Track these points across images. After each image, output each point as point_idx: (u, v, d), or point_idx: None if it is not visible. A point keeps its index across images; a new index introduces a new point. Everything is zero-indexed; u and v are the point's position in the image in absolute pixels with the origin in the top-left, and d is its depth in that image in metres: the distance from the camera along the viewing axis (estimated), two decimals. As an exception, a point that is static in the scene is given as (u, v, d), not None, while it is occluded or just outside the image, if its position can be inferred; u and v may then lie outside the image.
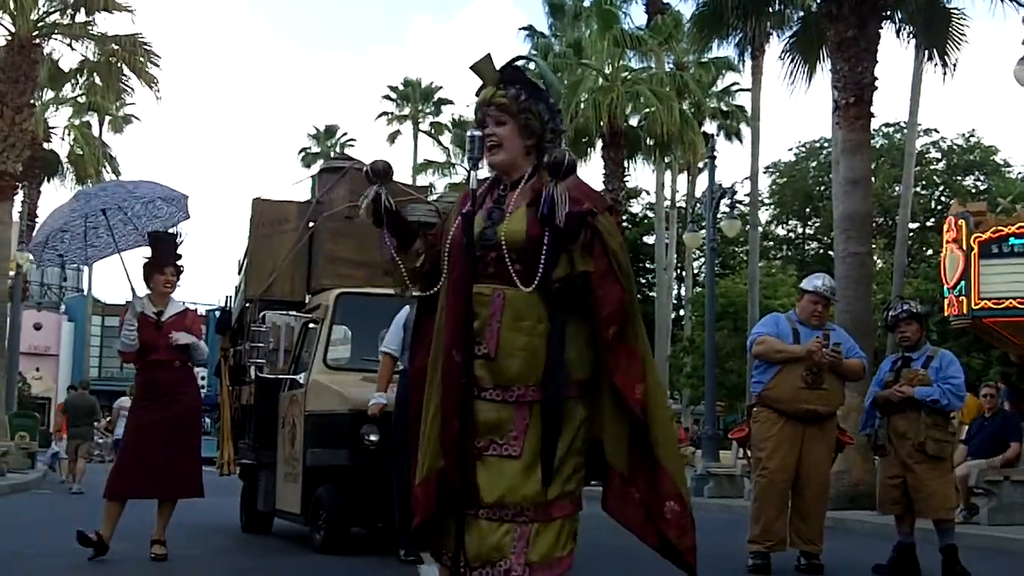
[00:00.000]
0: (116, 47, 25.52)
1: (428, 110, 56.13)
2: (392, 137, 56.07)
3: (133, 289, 8.18)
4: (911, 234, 25.83)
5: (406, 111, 56.20)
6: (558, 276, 3.80)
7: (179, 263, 8.31)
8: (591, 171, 33.12)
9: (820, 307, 8.05)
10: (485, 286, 3.84)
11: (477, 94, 4.09)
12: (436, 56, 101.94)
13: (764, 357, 7.93)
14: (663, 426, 3.92)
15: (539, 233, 3.78)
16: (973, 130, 45.58)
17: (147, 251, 8.33)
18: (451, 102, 55.75)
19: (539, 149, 4.02)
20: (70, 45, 25.94)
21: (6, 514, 13.21)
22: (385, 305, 8.57)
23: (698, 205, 26.57)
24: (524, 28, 38.02)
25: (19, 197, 29.57)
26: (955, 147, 44.30)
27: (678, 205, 42.67)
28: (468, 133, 3.99)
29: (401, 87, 56.42)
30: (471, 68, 4.05)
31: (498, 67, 4.05)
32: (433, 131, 55.15)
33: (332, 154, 57.36)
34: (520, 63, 4.07)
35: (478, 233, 3.87)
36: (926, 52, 19.21)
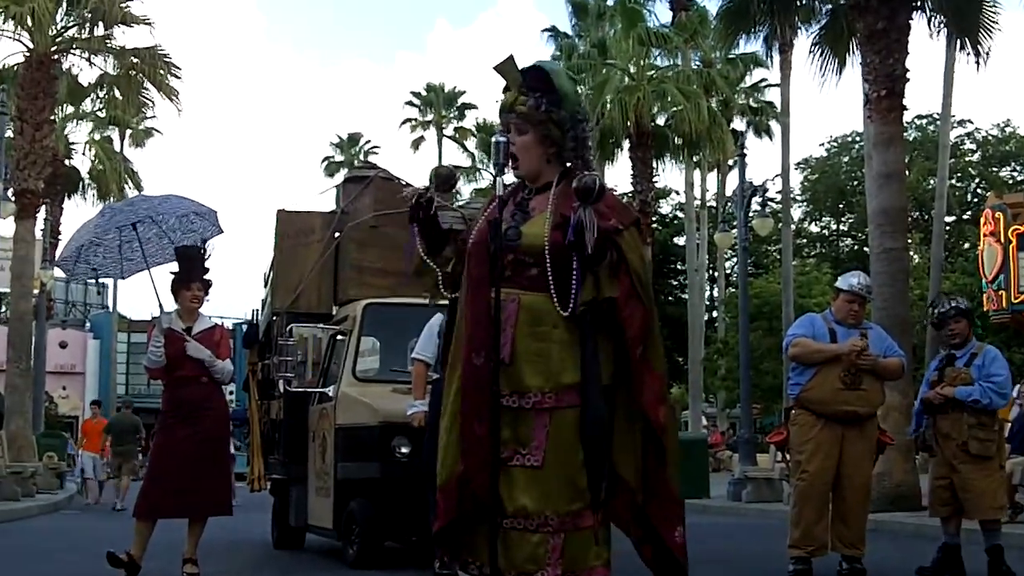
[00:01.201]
0: (135, 60, 25.70)
1: (452, 115, 56.29)
2: (416, 143, 56.28)
3: (160, 304, 8.22)
4: (947, 228, 25.69)
5: (430, 117, 56.37)
6: (584, 300, 3.83)
7: (206, 278, 8.34)
8: (619, 172, 33.21)
9: (856, 306, 8.00)
10: (501, 290, 3.85)
11: (504, 92, 4.12)
12: (458, 61, 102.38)
13: (801, 359, 7.89)
14: (676, 451, 3.99)
15: (559, 241, 3.81)
16: (1008, 120, 45.11)
17: (175, 266, 8.38)
18: (475, 106, 55.96)
19: (560, 156, 4.05)
20: (89, 60, 26.16)
21: (36, 535, 13.30)
22: (413, 315, 8.58)
23: (729, 204, 26.47)
24: (547, 29, 38.03)
25: (41, 215, 29.79)
26: (990, 138, 44.01)
27: (708, 204, 42.61)
28: (493, 139, 4.01)
29: (424, 93, 56.61)
30: (495, 69, 4.07)
31: (521, 68, 4.06)
32: (457, 136, 55.30)
33: (356, 163, 57.50)
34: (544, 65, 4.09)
35: (502, 234, 3.89)
36: (958, 42, 19.06)
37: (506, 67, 4.06)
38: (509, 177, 4.09)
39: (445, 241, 4.16)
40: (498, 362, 3.79)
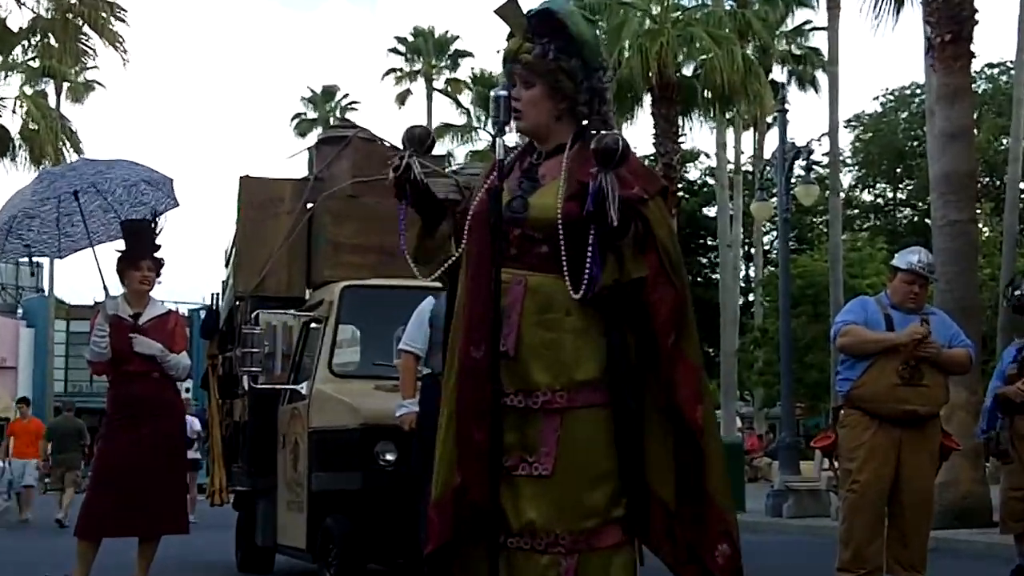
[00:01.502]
0: (74, 1, 25.68)
1: (443, 64, 56.21)
2: (402, 98, 56.21)
3: (105, 288, 8.23)
4: (1023, 195, 25.57)
5: (417, 66, 56.27)
6: (606, 282, 3.82)
7: (158, 256, 8.35)
8: (638, 131, 33.13)
9: (916, 287, 7.98)
10: (505, 270, 3.85)
11: (507, 40, 4.11)
12: (451, 0, 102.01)
13: (851, 350, 7.88)
14: (718, 456, 3.96)
15: (575, 212, 3.79)
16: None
17: (121, 244, 8.38)
18: (470, 54, 55.94)
19: (574, 112, 4.03)
20: (18, 0, 26.14)
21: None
22: (400, 299, 8.58)
23: (767, 168, 26.47)
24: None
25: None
26: (1074, 90, 43.91)
27: (743, 169, 42.58)
28: (492, 93, 4.00)
29: (411, 38, 56.49)
30: (495, 12, 4.06)
31: (527, 11, 4.05)
32: (450, 89, 55.25)
33: (332, 120, 57.47)
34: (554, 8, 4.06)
35: (504, 205, 3.88)
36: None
37: (508, 10, 4.05)
38: (512, 138, 4.09)
39: (442, 215, 4.14)
40: (497, 355, 3.79)
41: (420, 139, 4.05)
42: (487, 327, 3.81)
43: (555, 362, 3.84)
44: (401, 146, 4.05)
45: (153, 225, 8.49)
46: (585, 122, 4.06)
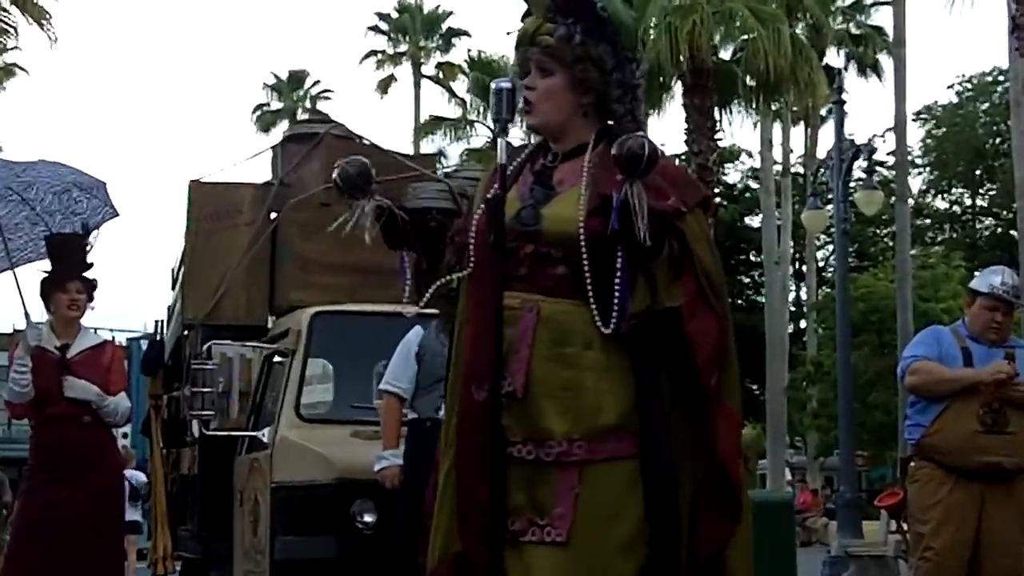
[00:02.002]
0: (-9, -30, 25.79)
1: (434, 46, 56.35)
2: (384, 85, 56.29)
3: (27, 313, 8.23)
4: None
5: (403, 48, 56.42)
6: (636, 310, 3.81)
7: (89, 276, 8.35)
8: (668, 127, 33.26)
9: (1000, 315, 7.98)
10: (513, 295, 3.85)
11: (522, 21, 4.10)
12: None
13: (923, 391, 7.87)
14: (748, 521, 3.98)
15: (600, 230, 3.78)
16: None
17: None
18: (467, 33, 56.03)
19: (599, 108, 4.03)
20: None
21: None
22: (381, 328, 8.58)
23: (821, 170, 26.50)
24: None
25: None
26: None
27: (793, 171, 42.63)
28: (493, 84, 4.00)
29: (395, 15, 56.65)
30: None
31: None
32: (442, 75, 55.34)
33: (300, 112, 57.60)
34: None
35: (512, 216, 3.88)
36: None
37: None
38: (515, 135, 4.10)
39: (441, 241, 4.14)
40: (498, 396, 3.79)
41: (356, 178, 4.02)
42: (487, 363, 3.81)
43: (573, 406, 3.83)
44: (337, 191, 4.06)
45: (84, 239, 8.50)
46: (611, 121, 4.05)
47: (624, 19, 4.08)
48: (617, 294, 3.78)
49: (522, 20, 4.08)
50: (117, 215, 8.80)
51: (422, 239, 4.12)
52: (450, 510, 3.90)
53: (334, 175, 4.01)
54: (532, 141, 4.18)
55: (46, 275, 8.31)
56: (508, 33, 4.19)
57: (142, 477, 17.15)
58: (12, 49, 37.30)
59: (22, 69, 41.57)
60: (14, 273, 8.51)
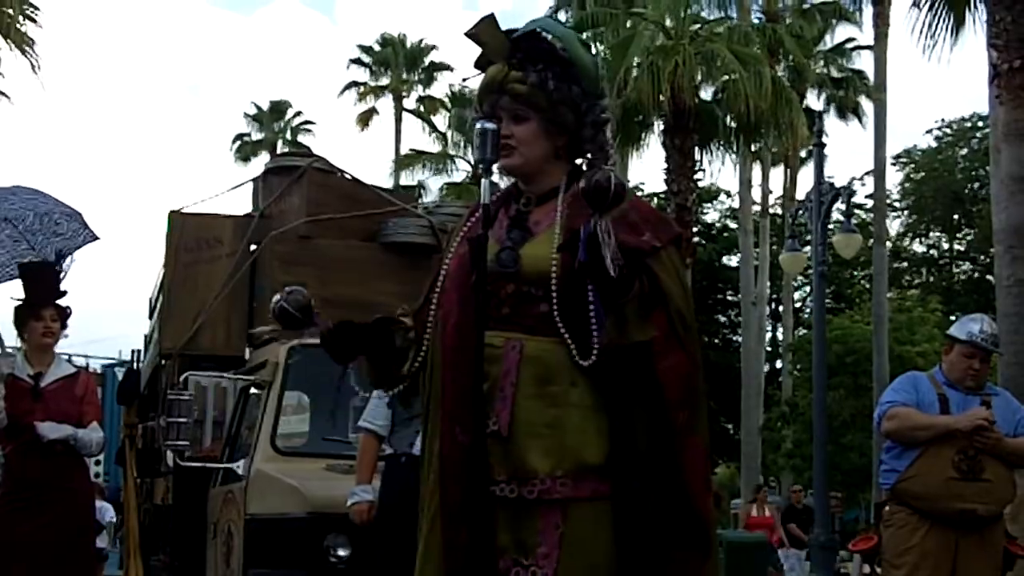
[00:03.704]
0: (-26, -4, 25.77)
1: (416, 79, 56.50)
2: (365, 118, 56.44)
3: (0, 339, 8.22)
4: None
5: (384, 81, 56.58)
6: (603, 343, 3.82)
7: (62, 303, 8.34)
8: (648, 165, 33.28)
9: (977, 363, 8.00)
10: (495, 334, 3.85)
11: (478, 67, 4.11)
12: (428, 3, 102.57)
13: (899, 436, 7.89)
14: (716, 558, 4.02)
15: (571, 262, 3.78)
16: None
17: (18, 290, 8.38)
18: (448, 67, 56.12)
19: (573, 148, 4.06)
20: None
21: None
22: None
23: (800, 212, 26.57)
24: (551, -36, 38.26)
25: None
26: None
27: (771, 212, 42.73)
28: (479, 125, 3.98)
29: (377, 47, 56.82)
30: (467, 34, 4.07)
31: (510, 31, 4.06)
32: (423, 109, 55.44)
33: (281, 143, 57.66)
34: (540, 29, 4.07)
35: (491, 259, 3.88)
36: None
37: (485, 30, 4.05)
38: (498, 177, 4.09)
39: (389, 331, 4.13)
40: (482, 435, 3.77)
41: (297, 312, 4.07)
42: (470, 404, 3.80)
43: (558, 444, 3.82)
44: (280, 325, 4.09)
45: (57, 267, 8.49)
46: (579, 160, 4.09)
47: (587, 62, 4.07)
48: (594, 326, 3.79)
49: (478, 67, 4.10)
50: (97, 239, 8.80)
51: (372, 344, 4.10)
52: (437, 555, 3.87)
53: (273, 306, 4.07)
54: (507, 183, 4.18)
55: (20, 303, 8.30)
56: (464, 80, 4.21)
57: (110, 514, 17.08)
58: (-7, 78, 37.42)
59: (4, 95, 41.56)
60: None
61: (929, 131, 50.51)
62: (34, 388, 8.06)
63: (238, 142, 60.60)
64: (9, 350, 8.19)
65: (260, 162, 55.42)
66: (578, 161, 4.09)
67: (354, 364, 4.12)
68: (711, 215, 49.30)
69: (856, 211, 30.48)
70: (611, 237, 3.65)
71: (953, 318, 8.40)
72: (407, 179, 48.27)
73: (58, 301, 8.33)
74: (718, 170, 33.83)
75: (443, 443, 3.91)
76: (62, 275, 8.48)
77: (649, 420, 3.87)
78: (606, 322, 3.80)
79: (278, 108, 61.10)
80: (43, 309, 8.21)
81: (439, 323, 4.02)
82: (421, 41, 56.93)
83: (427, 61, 56.48)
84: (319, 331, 4.06)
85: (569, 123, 4.02)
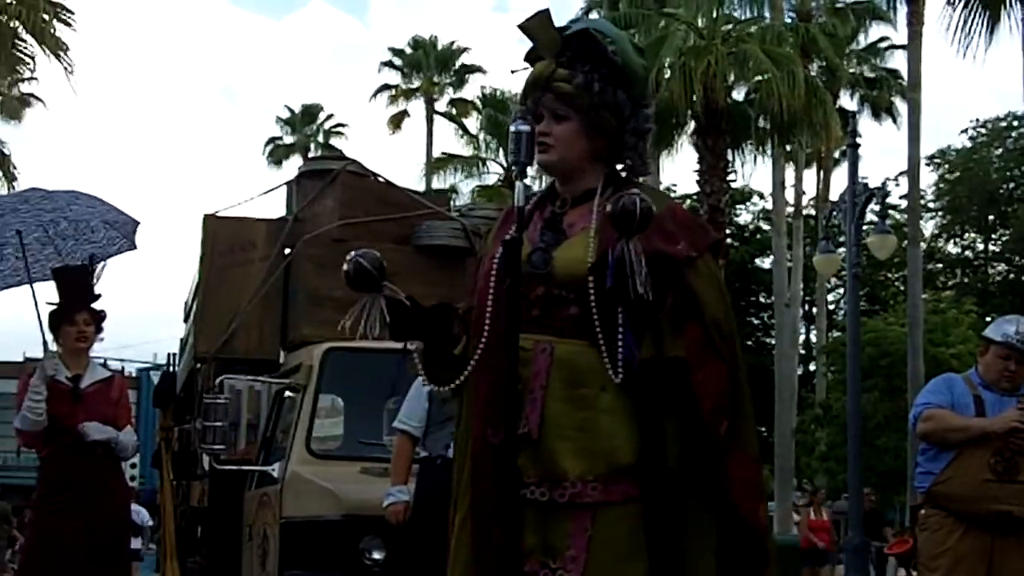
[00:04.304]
0: (9, 2, 25.84)
1: (447, 82, 56.44)
2: (397, 120, 56.43)
3: (46, 341, 8.25)
4: None
5: (416, 83, 56.54)
6: (643, 358, 3.82)
7: (97, 307, 8.38)
8: (680, 167, 33.24)
9: (1013, 364, 7.96)
10: (525, 336, 3.84)
11: (529, 62, 4.11)
12: (459, 6, 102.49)
13: (934, 438, 7.87)
14: (775, 564, 3.98)
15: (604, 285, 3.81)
16: None
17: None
18: (480, 70, 56.08)
19: (612, 153, 4.05)
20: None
21: None
22: (392, 364, 8.57)
23: (834, 213, 26.51)
24: (583, -35, 38.20)
25: None
26: None
27: (805, 213, 42.60)
28: (513, 127, 3.95)
29: (409, 50, 56.77)
30: (521, 27, 4.05)
31: (562, 28, 4.05)
32: (455, 111, 55.37)
33: (313, 146, 57.70)
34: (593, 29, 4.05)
35: (523, 260, 3.87)
36: None
37: (538, 25, 4.03)
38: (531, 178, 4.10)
39: (448, 319, 4.09)
40: (514, 437, 3.78)
41: (370, 272, 3.96)
42: (502, 406, 3.81)
43: (588, 447, 3.82)
44: (348, 285, 3.98)
45: (90, 271, 8.52)
46: (620, 164, 4.08)
47: (637, 67, 4.05)
48: (621, 348, 3.78)
49: (528, 60, 4.09)
50: (134, 248, 8.82)
51: (430, 327, 4.05)
52: (467, 556, 3.89)
53: (345, 268, 3.96)
54: (542, 187, 4.17)
55: (54, 307, 8.35)
56: (513, 72, 4.17)
57: (144, 513, 17.25)
58: (29, 80, 37.53)
59: (39, 100, 41.74)
60: (33, 294, 8.52)
61: (964, 131, 50.30)
62: (73, 390, 8.09)
63: (270, 146, 60.68)
64: (52, 352, 8.22)
65: (292, 165, 55.67)
66: (617, 166, 4.08)
67: (413, 348, 4.05)
68: (744, 217, 49.32)
69: (890, 212, 30.38)
70: (640, 262, 3.67)
71: (988, 319, 8.36)
72: (439, 182, 48.22)
73: (92, 305, 8.36)
74: (751, 171, 33.62)
75: (475, 444, 3.92)
76: (95, 279, 8.51)
77: (686, 429, 3.86)
78: (644, 339, 3.80)
79: (310, 111, 61.12)
80: (77, 313, 8.24)
81: (473, 325, 4.02)
82: (452, 43, 56.91)
83: (458, 63, 56.40)
84: (387, 296, 3.95)
85: (610, 127, 3.99)
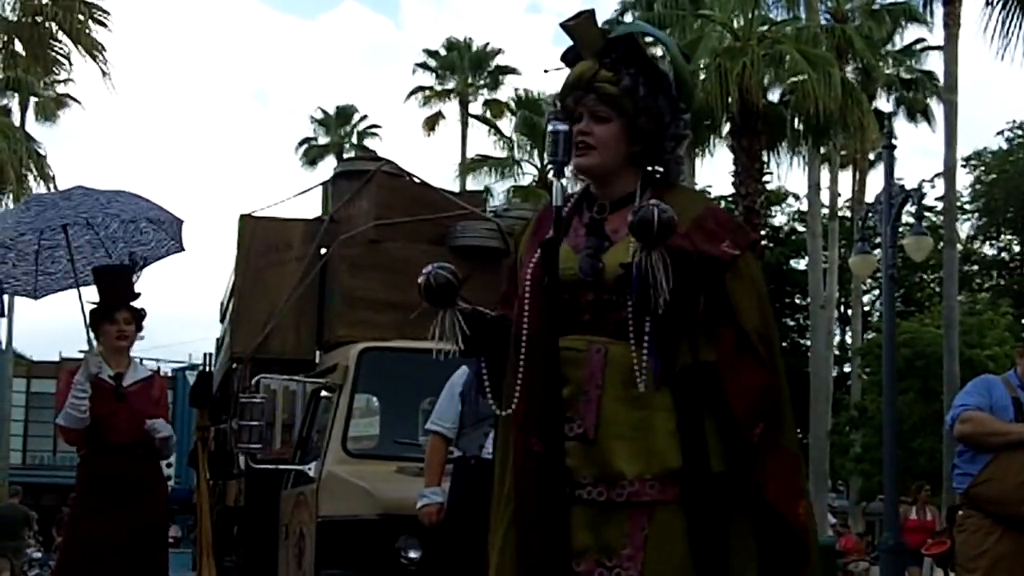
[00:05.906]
0: (45, 2, 25.93)
1: (481, 83, 56.42)
2: (431, 122, 56.41)
3: (90, 340, 8.28)
4: None
5: (450, 85, 56.53)
6: (680, 365, 3.82)
7: (137, 306, 8.41)
8: (715, 168, 33.21)
9: (1051, 365, 7.96)
10: (578, 338, 3.85)
11: (565, 61, 4.08)
12: (492, 7, 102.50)
13: (973, 441, 7.84)
14: (815, 563, 3.96)
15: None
16: None
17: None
18: (515, 72, 56.07)
19: (649, 157, 4.03)
20: (-20, 1, 26.41)
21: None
22: (428, 365, 8.56)
23: (869, 215, 26.47)
24: (618, -33, 38.16)
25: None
26: None
27: (841, 215, 42.50)
28: (550, 127, 3.95)
29: (443, 52, 56.78)
30: (563, 26, 4.04)
31: (606, 30, 4.04)
32: (489, 113, 55.36)
33: (347, 147, 57.77)
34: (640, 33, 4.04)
35: (571, 267, 3.87)
36: None
37: (583, 25, 4.01)
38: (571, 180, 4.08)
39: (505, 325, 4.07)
40: (560, 439, 3.79)
41: (446, 287, 3.98)
42: (546, 412, 3.81)
43: (645, 446, 3.81)
44: (425, 299, 4.01)
45: (131, 270, 8.55)
46: (657, 167, 4.06)
47: (686, 75, 4.05)
48: (646, 356, 3.78)
49: (564, 61, 4.07)
50: (182, 250, 8.86)
51: (495, 341, 4.04)
52: (511, 562, 3.87)
53: (421, 281, 3.98)
54: (578, 187, 4.14)
55: (95, 307, 8.38)
56: (546, 71, 4.15)
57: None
58: (65, 81, 37.67)
59: (75, 100, 41.85)
60: (80, 296, 8.56)
61: (1000, 132, 50.00)
62: (116, 389, 8.12)
63: (304, 146, 60.70)
64: (95, 351, 8.24)
65: (326, 166, 55.74)
66: (656, 168, 4.06)
67: (480, 364, 4.06)
68: (779, 218, 49.16)
69: (926, 214, 30.23)
70: (660, 275, 3.67)
71: (1025, 321, 8.32)
72: (473, 184, 48.18)
73: (133, 303, 8.39)
74: (786, 173, 33.71)
75: (516, 454, 3.91)
76: (136, 278, 8.55)
77: (725, 434, 3.86)
78: (681, 345, 3.80)
79: (344, 113, 61.17)
80: (117, 312, 8.26)
81: (513, 331, 4.00)
82: (487, 45, 56.81)
83: (492, 65, 56.34)
84: (462, 310, 3.97)
85: (650, 132, 3.97)
